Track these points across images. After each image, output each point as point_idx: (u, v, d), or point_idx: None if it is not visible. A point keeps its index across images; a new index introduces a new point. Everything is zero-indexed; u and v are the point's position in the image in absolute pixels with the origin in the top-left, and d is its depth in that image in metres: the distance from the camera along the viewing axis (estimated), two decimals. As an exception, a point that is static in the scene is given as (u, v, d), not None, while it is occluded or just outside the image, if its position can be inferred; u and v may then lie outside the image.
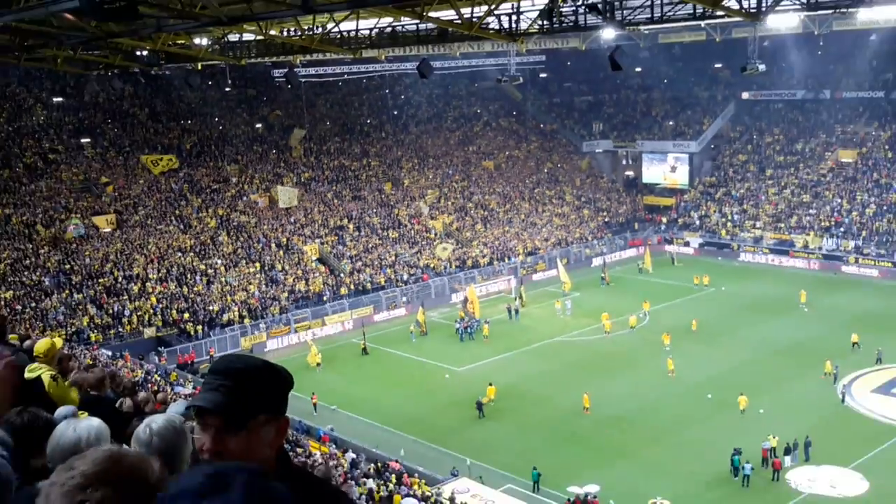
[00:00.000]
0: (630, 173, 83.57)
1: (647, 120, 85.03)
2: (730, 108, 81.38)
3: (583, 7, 29.37)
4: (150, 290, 50.86)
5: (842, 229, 65.68)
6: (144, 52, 41.47)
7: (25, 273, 48.88)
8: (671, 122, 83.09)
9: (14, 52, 35.30)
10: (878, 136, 71.69)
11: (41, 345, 6.16)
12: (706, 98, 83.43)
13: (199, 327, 49.45)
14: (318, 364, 45.35)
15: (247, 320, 51.06)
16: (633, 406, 38.14)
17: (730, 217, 72.34)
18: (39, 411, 3.53)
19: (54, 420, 3.55)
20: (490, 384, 39.96)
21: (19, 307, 45.65)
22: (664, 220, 76.29)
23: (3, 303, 45.18)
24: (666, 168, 79.56)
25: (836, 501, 29.49)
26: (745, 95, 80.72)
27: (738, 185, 75.21)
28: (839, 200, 68.30)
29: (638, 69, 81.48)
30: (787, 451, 31.86)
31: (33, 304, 46.66)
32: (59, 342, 6.52)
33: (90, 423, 3.31)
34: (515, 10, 32.51)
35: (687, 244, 71.55)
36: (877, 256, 61.93)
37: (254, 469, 1.85)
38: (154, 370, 40.70)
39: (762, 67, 46.71)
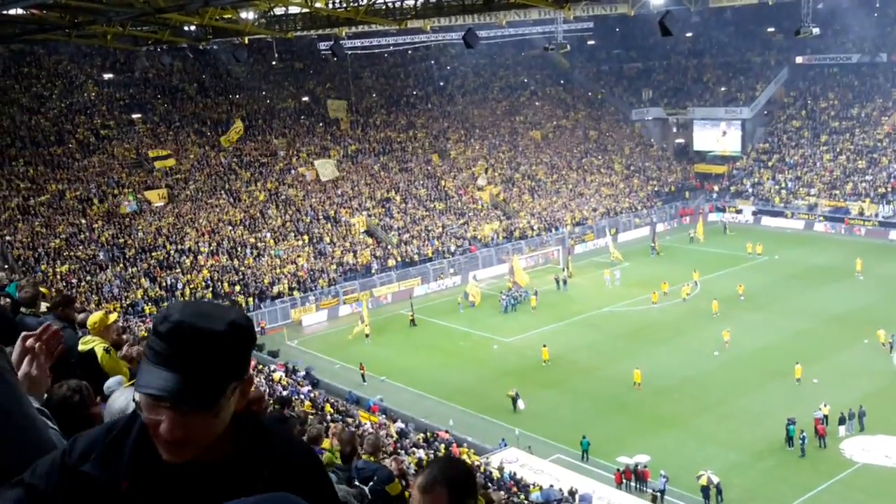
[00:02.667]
0: (681, 140, 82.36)
1: (698, 86, 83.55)
2: (783, 72, 79.61)
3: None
4: (202, 263, 51.58)
5: (899, 196, 64.19)
6: (192, 27, 41.79)
7: (80, 247, 49.85)
8: (723, 88, 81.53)
9: (65, 30, 35.77)
10: (936, 100, 69.80)
11: (93, 318, 6.29)
12: (759, 63, 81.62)
13: (250, 299, 50.11)
14: (367, 335, 45.70)
15: (296, 293, 51.60)
16: (683, 376, 37.88)
17: (783, 184, 71.00)
18: (81, 384, 3.56)
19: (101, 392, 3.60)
20: (544, 346, 40.96)
21: (75, 281, 46.64)
22: (716, 188, 75.15)
23: (59, 276, 46.25)
24: (718, 133, 78.27)
25: (890, 471, 29.05)
26: (798, 60, 78.84)
27: (792, 152, 73.71)
28: (895, 166, 66.77)
29: (688, 34, 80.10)
30: (842, 422, 31.43)
31: (88, 278, 47.62)
32: (113, 315, 6.63)
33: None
34: (562, -24, 32.09)
35: (739, 212, 70.51)
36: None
37: None
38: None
39: (816, 31, 45.67)
